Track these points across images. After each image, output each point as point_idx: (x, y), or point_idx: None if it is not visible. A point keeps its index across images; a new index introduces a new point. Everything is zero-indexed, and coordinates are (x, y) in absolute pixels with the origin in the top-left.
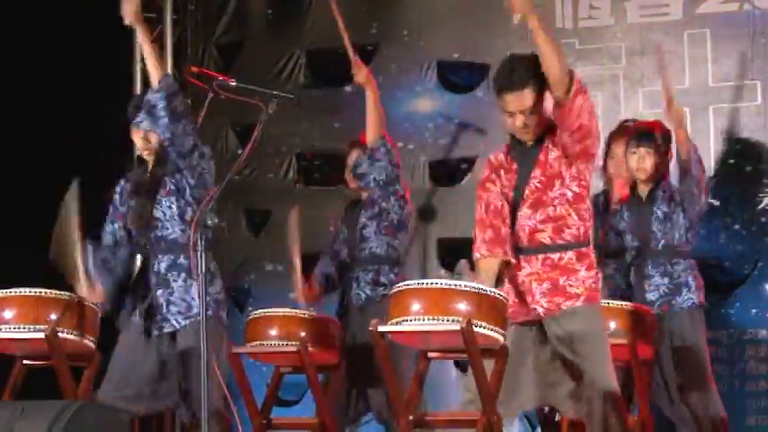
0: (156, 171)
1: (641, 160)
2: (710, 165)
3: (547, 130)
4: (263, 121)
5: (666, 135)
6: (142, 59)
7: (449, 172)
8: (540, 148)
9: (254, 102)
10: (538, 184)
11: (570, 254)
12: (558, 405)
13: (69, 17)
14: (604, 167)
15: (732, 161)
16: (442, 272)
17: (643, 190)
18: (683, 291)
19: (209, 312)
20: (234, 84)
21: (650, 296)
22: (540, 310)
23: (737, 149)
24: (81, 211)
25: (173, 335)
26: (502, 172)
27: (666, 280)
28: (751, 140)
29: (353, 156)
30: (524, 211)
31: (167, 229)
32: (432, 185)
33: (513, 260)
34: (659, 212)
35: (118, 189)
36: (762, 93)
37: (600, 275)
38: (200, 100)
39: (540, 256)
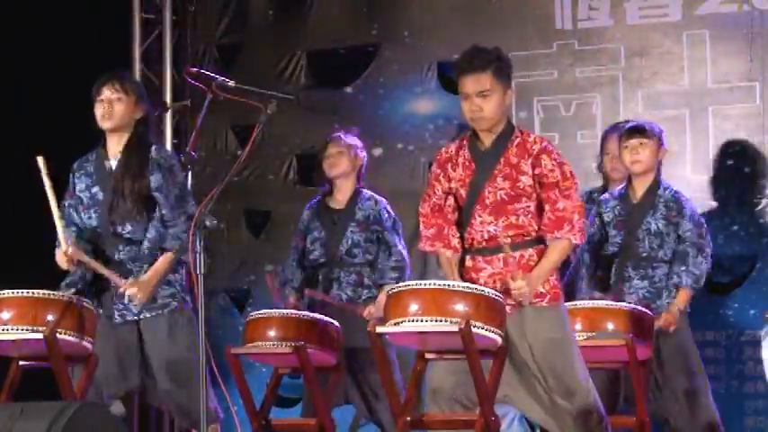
0: (129, 167)
1: (634, 152)
2: (709, 166)
3: (510, 136)
4: (262, 121)
5: (659, 131)
6: (141, 60)
7: None
8: (503, 155)
9: (254, 102)
10: (504, 196)
11: (531, 251)
12: (522, 407)
13: (66, 19)
14: (600, 166)
15: (731, 162)
16: (442, 273)
17: (638, 187)
18: (663, 295)
19: (175, 304)
20: (233, 84)
21: (629, 299)
22: (507, 308)
23: (736, 151)
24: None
25: (137, 324)
26: (449, 166)
27: (646, 283)
28: (750, 142)
29: (335, 147)
30: (485, 217)
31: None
32: None
33: (457, 252)
34: (653, 225)
35: (73, 167)
36: (760, 94)
37: (557, 272)
38: (199, 101)
39: (501, 256)
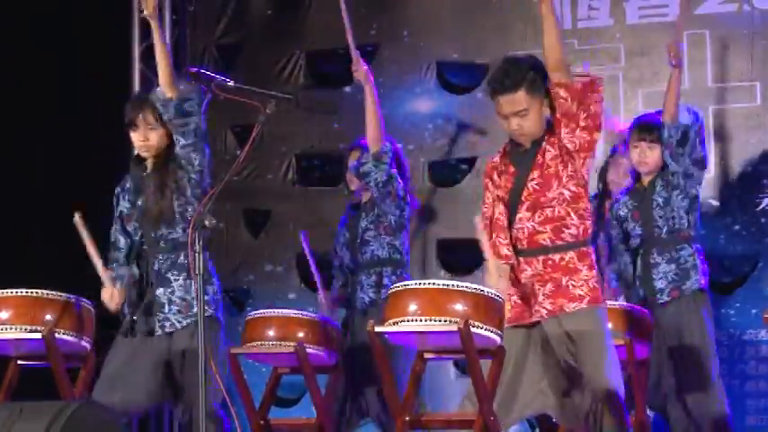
0: (157, 169)
1: (643, 154)
2: (710, 166)
3: (545, 132)
4: (261, 121)
5: (671, 126)
6: (141, 60)
7: (448, 173)
8: (537, 150)
9: (253, 102)
10: (536, 186)
11: (571, 254)
12: (553, 413)
13: (66, 19)
14: (603, 171)
15: (732, 162)
16: (442, 272)
17: (645, 180)
18: (692, 275)
19: (209, 312)
20: (232, 84)
21: (658, 284)
22: (544, 312)
23: (737, 151)
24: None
25: (170, 334)
26: (495, 175)
27: (673, 266)
28: (751, 142)
29: (355, 157)
30: (523, 213)
31: (170, 227)
32: (431, 186)
33: (512, 262)
34: (659, 199)
35: (116, 191)
36: (761, 93)
37: (599, 275)
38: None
39: (541, 258)
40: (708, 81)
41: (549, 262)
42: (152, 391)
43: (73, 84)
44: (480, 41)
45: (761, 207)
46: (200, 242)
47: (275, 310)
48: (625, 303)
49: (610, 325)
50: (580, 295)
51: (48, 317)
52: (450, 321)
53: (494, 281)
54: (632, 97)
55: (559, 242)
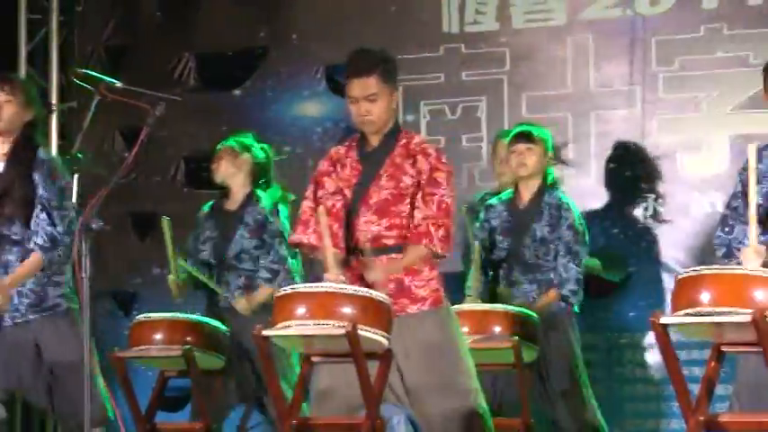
0: (12, 166)
1: (521, 156)
2: (591, 169)
3: (396, 136)
4: (150, 123)
5: (545, 136)
6: (28, 61)
7: None
8: (388, 155)
9: (141, 104)
10: (388, 196)
11: None
12: (410, 409)
13: None
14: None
15: (612, 166)
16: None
17: (524, 192)
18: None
19: (65, 306)
20: (120, 86)
21: (517, 303)
22: None
23: (617, 154)
24: None
25: (20, 325)
26: (338, 167)
27: (535, 286)
28: (630, 145)
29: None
30: (369, 217)
31: (20, 222)
32: None
33: (341, 253)
34: (537, 232)
35: None
36: (641, 98)
37: (440, 276)
38: (86, 102)
39: (384, 258)
40: (590, 85)
41: (393, 261)
42: (7, 379)
43: None
44: (368, 44)
45: (638, 210)
46: (86, 245)
47: (162, 314)
48: (513, 307)
49: (497, 328)
50: (423, 297)
51: None
52: (338, 325)
53: (334, 273)
54: (516, 101)
55: (402, 243)
